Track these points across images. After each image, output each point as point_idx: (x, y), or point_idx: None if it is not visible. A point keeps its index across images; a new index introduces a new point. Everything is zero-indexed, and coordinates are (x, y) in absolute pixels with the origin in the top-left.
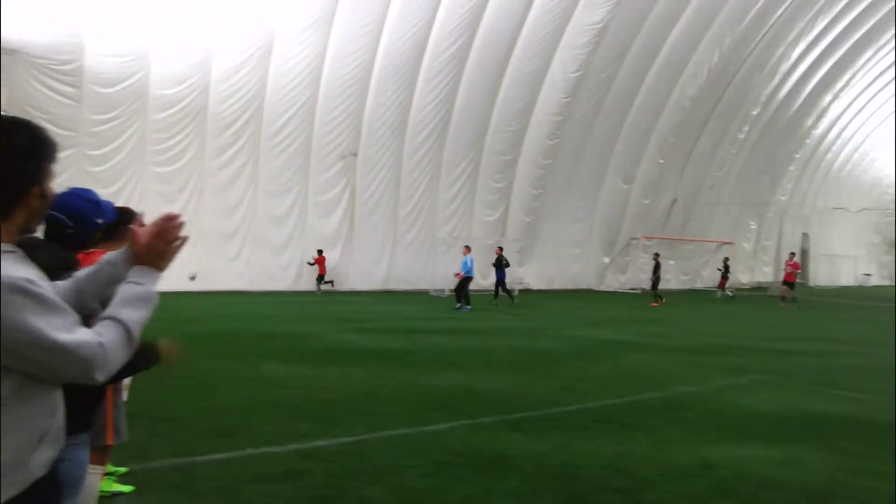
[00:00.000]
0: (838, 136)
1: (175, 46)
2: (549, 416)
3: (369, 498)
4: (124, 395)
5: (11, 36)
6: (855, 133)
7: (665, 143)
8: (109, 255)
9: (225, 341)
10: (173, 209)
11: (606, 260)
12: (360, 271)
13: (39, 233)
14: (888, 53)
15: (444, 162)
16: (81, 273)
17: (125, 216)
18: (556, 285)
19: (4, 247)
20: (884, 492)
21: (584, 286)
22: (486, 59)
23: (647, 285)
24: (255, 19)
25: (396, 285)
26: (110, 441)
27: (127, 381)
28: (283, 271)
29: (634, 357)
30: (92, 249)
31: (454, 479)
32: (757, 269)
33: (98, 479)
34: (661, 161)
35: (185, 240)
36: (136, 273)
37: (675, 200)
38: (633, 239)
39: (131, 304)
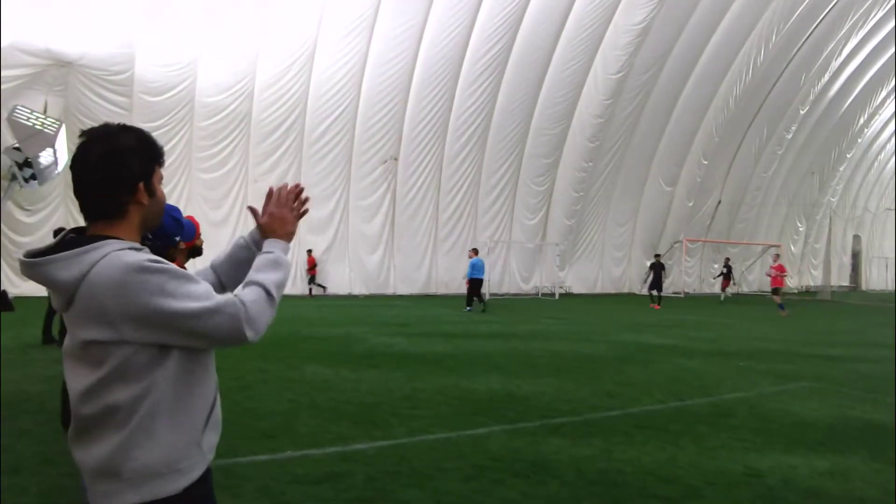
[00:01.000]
0: (893, 134)
1: (221, 55)
2: (591, 422)
3: (408, 501)
4: None
5: (67, 49)
6: None
7: (709, 144)
8: (239, 239)
9: (269, 344)
10: (219, 215)
11: (648, 263)
12: (401, 275)
13: None
14: None
15: (485, 165)
16: (216, 260)
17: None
18: (598, 289)
19: (128, 244)
20: None
21: (626, 290)
22: (526, 62)
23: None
24: (297, 27)
25: (437, 289)
26: None
27: None
28: (325, 275)
29: (679, 362)
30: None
31: (493, 483)
32: (805, 273)
33: None
34: (706, 162)
35: (306, 205)
36: (266, 245)
37: (719, 202)
38: (676, 242)
39: (265, 269)
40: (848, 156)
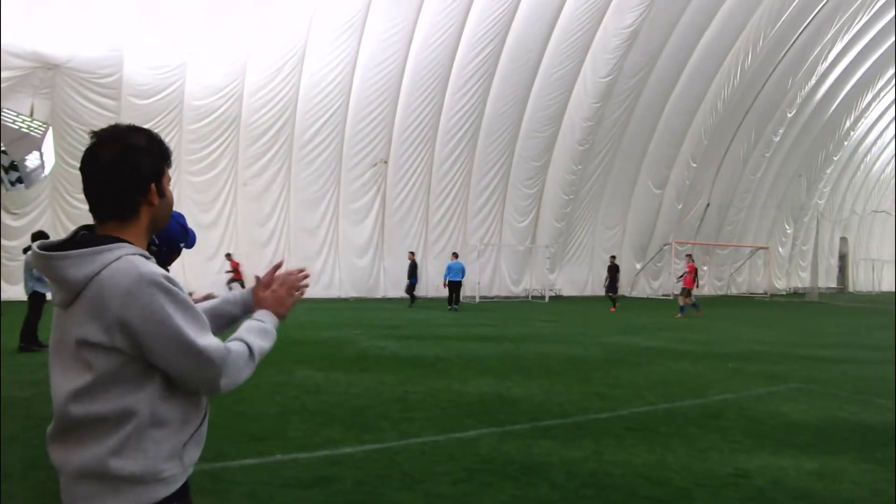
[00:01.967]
0: (879, 136)
1: (210, 57)
2: (582, 424)
3: None
4: None
5: (54, 52)
6: None
7: (698, 147)
8: (230, 296)
9: None
10: (208, 218)
11: (639, 266)
12: (391, 278)
13: None
14: None
15: (475, 168)
16: (202, 307)
17: None
18: (588, 291)
19: (139, 251)
20: None
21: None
22: (516, 65)
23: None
24: (287, 30)
25: (428, 292)
26: None
27: None
28: (316, 278)
29: (669, 364)
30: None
31: (484, 486)
32: (793, 275)
33: None
34: (695, 165)
35: (304, 291)
36: (259, 314)
37: (708, 205)
38: (665, 244)
39: (255, 333)
40: (835, 158)
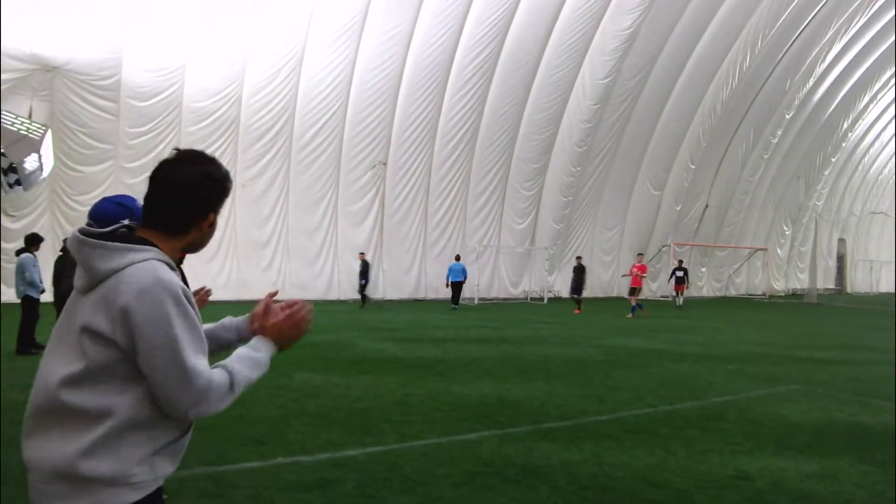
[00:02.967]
0: (876, 138)
1: (209, 60)
2: (582, 426)
3: None
4: None
5: (54, 54)
6: (894, 135)
7: (697, 149)
8: (226, 321)
9: None
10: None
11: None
12: (390, 280)
13: None
14: None
15: (474, 170)
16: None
17: None
18: (587, 293)
19: (165, 258)
20: None
21: (615, 294)
22: (514, 67)
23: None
24: (286, 32)
25: (427, 294)
26: None
27: None
28: (315, 280)
29: (669, 366)
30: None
31: (484, 489)
32: (792, 276)
33: None
34: (693, 166)
35: (310, 327)
36: (258, 341)
37: (707, 206)
38: (664, 246)
39: (244, 363)
40: (833, 160)
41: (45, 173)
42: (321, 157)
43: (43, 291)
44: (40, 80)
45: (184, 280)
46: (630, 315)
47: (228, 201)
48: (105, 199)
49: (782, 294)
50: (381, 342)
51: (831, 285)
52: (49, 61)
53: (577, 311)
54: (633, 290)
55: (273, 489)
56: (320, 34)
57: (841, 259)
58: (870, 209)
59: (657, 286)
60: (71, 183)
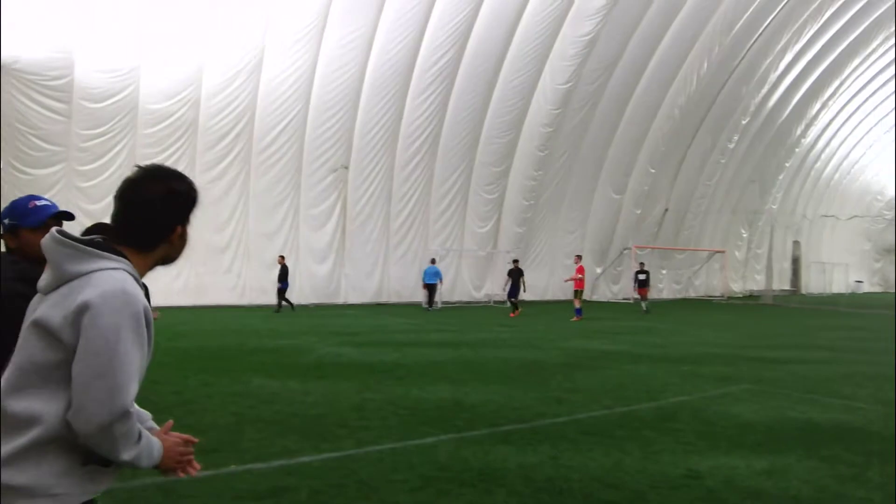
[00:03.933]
0: (827, 144)
1: (166, 61)
2: (539, 429)
3: None
4: None
5: (1, 53)
6: (844, 141)
7: (656, 153)
8: (145, 415)
9: (214, 356)
10: None
11: (599, 270)
12: (352, 284)
13: None
14: (875, 61)
15: (436, 174)
16: None
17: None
18: (549, 296)
19: (135, 272)
20: (878, 502)
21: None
22: (475, 72)
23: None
24: (245, 34)
25: (389, 298)
26: None
27: None
28: (274, 285)
29: (626, 367)
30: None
31: (441, 493)
32: (749, 278)
33: None
34: (653, 171)
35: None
36: (150, 444)
37: (666, 210)
38: (625, 249)
39: (146, 441)
40: (786, 165)
41: None
42: (282, 161)
43: None
44: None
45: (147, 296)
46: (576, 318)
47: None
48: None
49: (740, 295)
50: (340, 346)
51: (786, 286)
52: None
53: (512, 315)
54: (578, 293)
55: (225, 498)
56: (280, 36)
57: (795, 261)
58: (821, 213)
59: (619, 288)
60: (20, 186)
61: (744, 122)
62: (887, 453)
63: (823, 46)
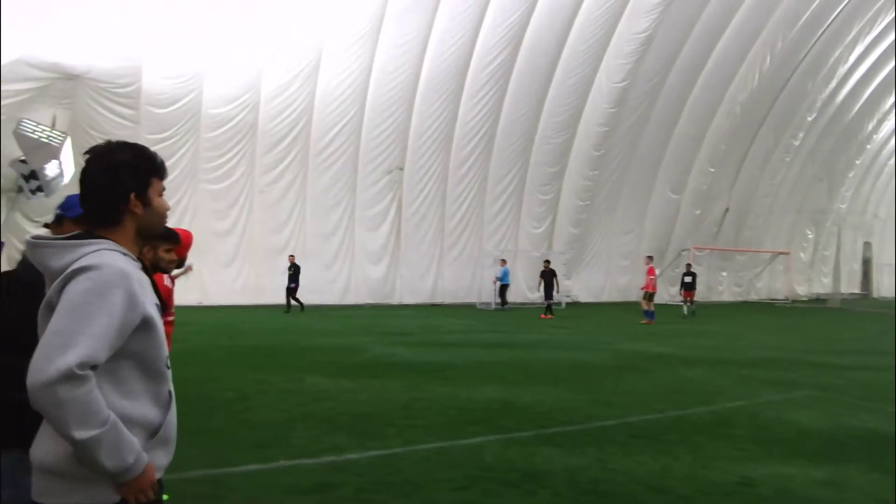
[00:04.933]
0: None
1: (226, 66)
2: (587, 431)
3: None
4: None
5: (75, 62)
6: None
7: (716, 152)
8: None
9: (270, 354)
10: (224, 225)
11: (658, 271)
12: (406, 285)
13: None
14: None
15: (490, 174)
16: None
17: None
18: (605, 298)
19: (120, 248)
20: None
21: (633, 298)
22: (530, 71)
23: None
24: (302, 37)
25: (443, 299)
26: None
27: None
28: (330, 285)
29: (680, 371)
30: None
31: (485, 493)
32: (815, 280)
33: None
34: (712, 170)
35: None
36: (126, 444)
37: (727, 210)
38: (683, 250)
39: (118, 439)
40: (857, 162)
41: (66, 180)
42: (338, 162)
43: None
44: (62, 88)
45: (150, 278)
46: (645, 321)
47: (246, 206)
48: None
49: (805, 298)
50: (392, 346)
51: (856, 290)
52: (70, 70)
53: (547, 317)
54: (647, 295)
55: (272, 492)
56: (336, 39)
57: (866, 263)
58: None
59: (676, 290)
60: None
61: (810, 119)
62: None
63: None
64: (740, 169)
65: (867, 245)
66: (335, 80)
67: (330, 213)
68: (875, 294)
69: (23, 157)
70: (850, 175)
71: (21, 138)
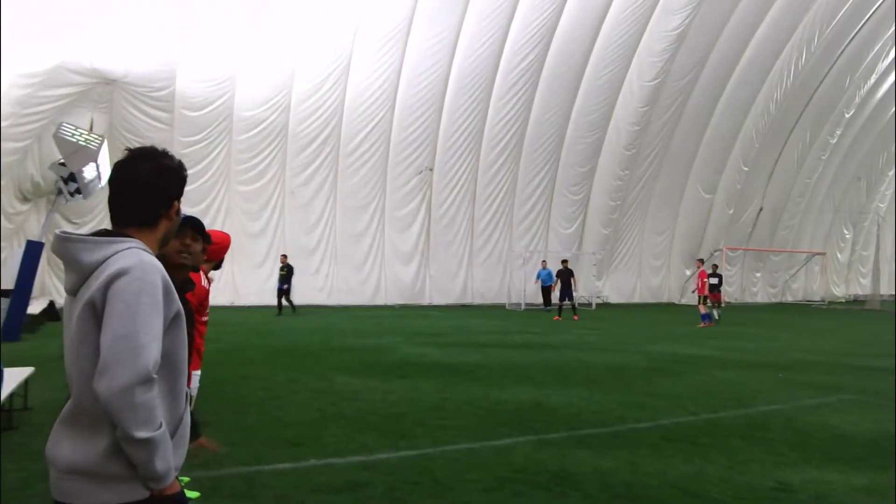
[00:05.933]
0: None
1: (258, 69)
2: (619, 433)
3: None
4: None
5: (112, 67)
6: None
7: (750, 150)
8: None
9: (301, 354)
10: (257, 226)
11: (688, 272)
12: (436, 285)
13: None
14: None
15: (521, 175)
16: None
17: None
18: (636, 299)
19: (146, 247)
20: None
21: (665, 300)
22: (560, 70)
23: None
24: (333, 39)
25: (473, 299)
26: None
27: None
28: (361, 286)
29: (714, 373)
30: None
31: (514, 495)
32: (853, 281)
33: None
34: (746, 169)
35: None
36: (171, 449)
37: (761, 209)
38: (716, 251)
39: (169, 445)
40: None
41: (103, 182)
42: (368, 163)
43: None
44: (100, 92)
45: (178, 284)
46: (702, 324)
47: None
48: None
49: (843, 300)
50: (423, 347)
51: None
52: (107, 74)
53: (575, 318)
54: (702, 299)
55: (303, 491)
56: (366, 41)
57: None
58: None
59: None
60: None
61: (847, 116)
62: None
63: None
64: (775, 167)
65: None
66: (365, 82)
67: (360, 214)
68: None
69: (62, 160)
70: (890, 173)
71: (60, 142)
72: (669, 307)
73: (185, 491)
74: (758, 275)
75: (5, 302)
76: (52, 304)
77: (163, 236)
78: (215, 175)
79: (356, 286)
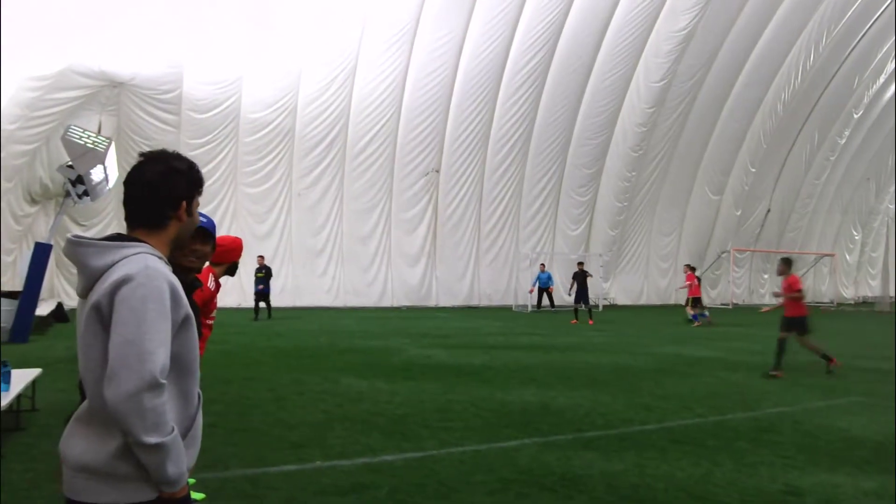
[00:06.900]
0: None
1: (265, 71)
2: (625, 436)
3: None
4: None
5: (120, 70)
6: None
7: (757, 151)
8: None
9: (307, 356)
10: (263, 228)
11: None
12: (443, 287)
13: None
14: None
15: (527, 176)
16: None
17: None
18: (644, 300)
19: (155, 251)
20: None
21: (672, 301)
22: (567, 72)
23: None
24: (339, 42)
25: (479, 301)
26: None
27: None
28: (368, 287)
29: (722, 375)
30: None
31: (520, 497)
32: (862, 283)
33: None
34: (753, 170)
35: None
36: (183, 454)
37: (769, 211)
38: (723, 252)
39: (181, 450)
40: None
41: (111, 184)
42: (374, 165)
43: None
44: (108, 95)
45: (185, 284)
46: (697, 323)
47: (284, 209)
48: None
49: (852, 302)
50: (429, 349)
51: None
52: (115, 77)
53: (590, 322)
54: (694, 302)
55: (308, 492)
56: (373, 43)
57: None
58: None
59: (716, 293)
60: None
61: (856, 116)
62: None
63: None
64: (783, 168)
65: None
66: (371, 84)
67: (367, 216)
68: None
69: (70, 163)
70: None
71: (68, 144)
72: (677, 309)
73: (191, 492)
74: (765, 276)
75: (8, 303)
76: (60, 305)
77: (174, 237)
78: (222, 177)
79: (363, 288)
